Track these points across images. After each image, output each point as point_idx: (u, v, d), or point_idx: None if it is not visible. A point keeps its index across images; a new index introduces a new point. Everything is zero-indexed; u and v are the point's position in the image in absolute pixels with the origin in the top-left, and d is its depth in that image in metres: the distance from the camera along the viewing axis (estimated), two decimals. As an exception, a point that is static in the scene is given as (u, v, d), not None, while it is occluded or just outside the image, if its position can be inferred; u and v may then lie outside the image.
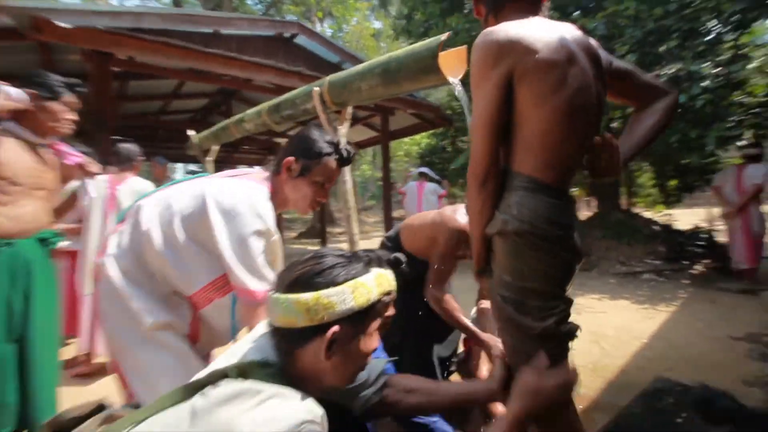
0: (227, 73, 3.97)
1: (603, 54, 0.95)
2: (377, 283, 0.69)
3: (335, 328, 0.65)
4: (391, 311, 1.07)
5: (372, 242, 11.72)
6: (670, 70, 4.27)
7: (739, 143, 4.64)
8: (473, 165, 0.88)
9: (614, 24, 4.53)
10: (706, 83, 4.16)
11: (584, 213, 7.54)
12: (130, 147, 2.68)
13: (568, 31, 0.91)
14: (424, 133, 9.68)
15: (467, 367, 1.79)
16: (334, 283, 0.66)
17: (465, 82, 1.10)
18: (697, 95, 4.15)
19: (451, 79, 1.07)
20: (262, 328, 0.77)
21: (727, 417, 1.61)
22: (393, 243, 1.78)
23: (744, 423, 1.58)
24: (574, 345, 0.89)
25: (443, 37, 1.04)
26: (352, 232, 1.68)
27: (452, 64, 1.08)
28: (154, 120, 7.09)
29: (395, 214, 9.13)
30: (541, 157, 0.85)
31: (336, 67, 5.94)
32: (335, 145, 1.15)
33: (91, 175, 1.62)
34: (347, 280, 0.67)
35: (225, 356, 0.72)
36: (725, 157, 5.86)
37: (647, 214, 6.90)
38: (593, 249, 5.64)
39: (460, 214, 1.48)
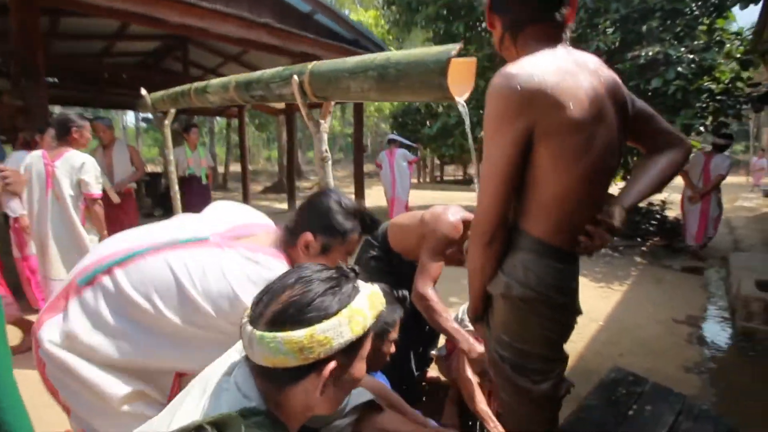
0: (182, 22, 3.46)
1: (628, 96, 0.87)
2: (371, 305, 0.63)
3: (332, 365, 0.59)
4: (394, 335, 1.02)
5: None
6: (650, 52, 4.26)
7: (701, 128, 4.83)
8: (480, 221, 0.80)
9: (602, -3, 4.38)
10: (680, 68, 4.21)
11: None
12: (66, 117, 2.41)
13: (597, 74, 0.80)
14: (398, 94, 9.33)
15: (446, 365, 1.82)
16: (328, 315, 0.58)
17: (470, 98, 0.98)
18: (671, 80, 4.20)
19: (458, 100, 0.95)
20: (234, 357, 0.68)
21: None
22: (380, 243, 1.71)
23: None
24: None
25: (454, 51, 0.90)
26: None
27: (460, 77, 0.94)
28: (95, 63, 6.24)
29: (369, 178, 8.93)
30: (554, 221, 0.78)
31: (307, 18, 5.40)
32: (358, 215, 1.04)
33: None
34: (341, 309, 0.59)
35: (196, 394, 0.63)
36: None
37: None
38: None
39: (451, 214, 1.43)
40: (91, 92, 7.94)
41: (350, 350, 0.61)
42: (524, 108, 0.73)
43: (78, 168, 2.43)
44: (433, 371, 2.02)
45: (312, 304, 0.58)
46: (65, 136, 2.45)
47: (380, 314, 0.65)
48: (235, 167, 19.67)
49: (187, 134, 4.46)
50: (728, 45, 4.84)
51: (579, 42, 4.35)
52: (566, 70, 0.76)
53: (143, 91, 3.13)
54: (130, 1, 3.14)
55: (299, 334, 0.56)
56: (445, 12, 5.58)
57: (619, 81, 0.87)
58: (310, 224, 1.03)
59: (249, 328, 0.59)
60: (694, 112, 4.45)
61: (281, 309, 0.59)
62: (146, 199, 10.15)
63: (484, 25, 5.78)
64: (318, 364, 0.58)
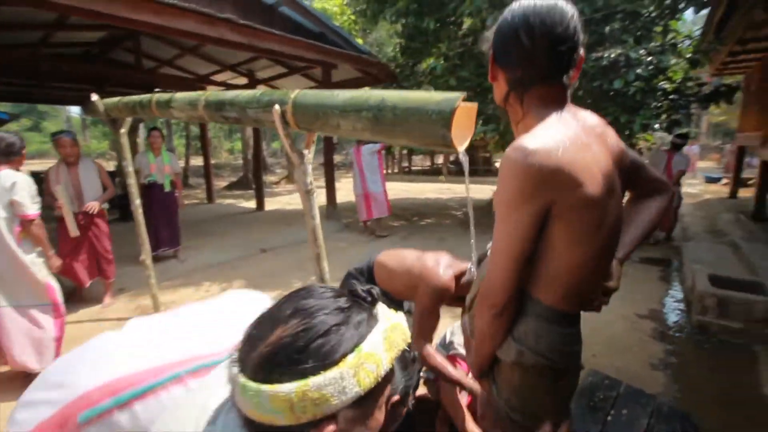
0: (134, 17, 3.16)
1: (625, 154, 0.88)
2: (388, 346, 0.49)
3: (331, 428, 0.46)
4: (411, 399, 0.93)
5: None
6: (612, 54, 4.42)
7: (656, 126, 5.13)
8: (491, 294, 0.79)
9: (568, -2, 4.45)
10: (639, 70, 4.41)
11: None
12: (10, 140, 2.25)
13: (604, 140, 0.80)
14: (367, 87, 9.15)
15: (435, 386, 1.82)
16: (327, 365, 0.45)
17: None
18: (632, 82, 4.40)
19: (460, 150, 0.91)
20: (218, 400, 0.55)
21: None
22: (366, 277, 1.66)
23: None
24: None
25: (458, 101, 0.86)
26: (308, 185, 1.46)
27: (461, 125, 0.90)
28: (30, 54, 5.62)
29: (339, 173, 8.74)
30: (566, 290, 0.78)
31: (272, 10, 5.13)
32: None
33: None
34: (347, 355, 0.46)
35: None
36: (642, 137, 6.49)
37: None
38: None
39: (443, 269, 1.39)
40: (27, 86, 7.19)
41: (360, 404, 0.48)
42: (543, 187, 0.71)
43: (9, 188, 2.22)
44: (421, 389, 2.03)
45: (307, 349, 0.45)
46: (11, 157, 2.33)
47: (401, 360, 0.52)
48: (196, 161, 18.74)
49: (149, 139, 4.14)
50: (680, 45, 5.12)
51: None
52: (581, 143, 0.75)
53: (94, 97, 2.86)
54: (73, -6, 2.81)
55: (287, 390, 0.44)
56: (415, 6, 5.48)
57: (618, 139, 0.87)
58: None
59: (234, 370, 0.48)
60: (652, 112, 4.70)
61: (268, 353, 0.46)
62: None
63: (458, 22, 5.75)
64: (316, 424, 0.45)
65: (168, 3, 3.30)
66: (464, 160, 0.95)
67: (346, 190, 11.37)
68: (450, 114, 0.85)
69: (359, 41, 7.93)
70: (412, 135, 0.95)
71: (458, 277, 1.45)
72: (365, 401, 0.48)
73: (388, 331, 0.50)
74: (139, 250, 3.15)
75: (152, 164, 4.11)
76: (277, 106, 1.28)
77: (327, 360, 0.45)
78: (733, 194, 8.36)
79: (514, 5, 0.80)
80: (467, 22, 4.91)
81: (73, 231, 3.15)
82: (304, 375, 0.44)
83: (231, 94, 1.57)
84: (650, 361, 2.51)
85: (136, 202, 3.06)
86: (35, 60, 5.87)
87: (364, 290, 0.53)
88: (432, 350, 1.45)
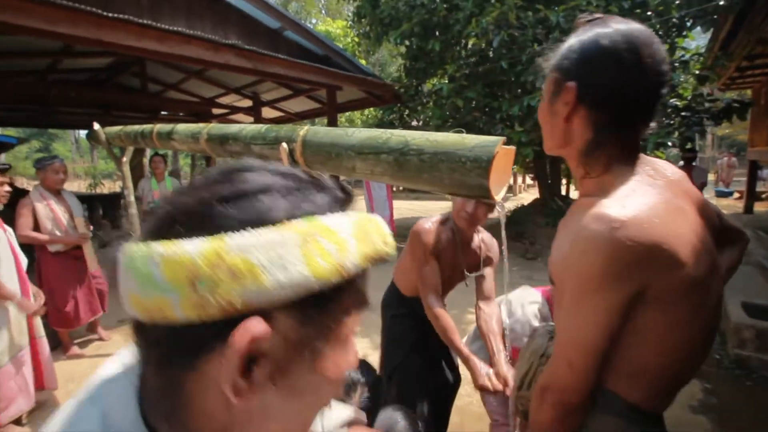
0: (138, 46, 3.13)
1: (707, 202, 0.75)
2: (359, 233, 0.31)
3: (259, 327, 0.26)
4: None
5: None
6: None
7: (669, 144, 5.02)
8: (561, 390, 0.64)
9: (574, 18, 4.42)
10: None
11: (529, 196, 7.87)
12: None
13: (690, 196, 0.67)
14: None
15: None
16: (259, 221, 0.28)
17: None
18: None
19: (497, 200, 0.79)
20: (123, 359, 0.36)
21: None
22: (391, 292, 1.73)
23: None
24: None
25: (497, 147, 0.74)
26: None
27: (497, 172, 0.78)
28: (39, 81, 5.66)
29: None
30: (656, 387, 0.64)
31: (277, 34, 5.15)
32: None
33: None
34: (292, 219, 0.28)
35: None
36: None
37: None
38: (537, 237, 5.91)
39: (425, 221, 1.51)
40: (36, 112, 7.26)
41: (309, 312, 0.28)
42: (636, 268, 0.57)
43: None
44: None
45: (233, 200, 0.28)
46: None
47: (375, 257, 0.32)
48: (201, 181, 18.79)
49: (152, 165, 4.07)
50: (691, 62, 5.05)
51: (555, 62, 4.37)
52: (675, 208, 0.61)
53: (96, 126, 2.78)
54: (76, 25, 2.78)
55: (191, 249, 0.26)
56: (419, 28, 5.48)
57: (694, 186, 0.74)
58: None
59: (127, 244, 0.29)
60: (665, 130, 4.59)
61: (182, 206, 0.29)
62: (103, 222, 9.43)
63: (463, 43, 5.74)
64: (233, 323, 0.26)
65: (172, 30, 3.28)
66: (501, 210, 0.82)
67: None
68: (488, 162, 0.73)
69: (362, 62, 7.97)
70: (441, 183, 0.82)
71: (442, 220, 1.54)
72: (318, 310, 0.29)
73: (362, 220, 0.32)
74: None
75: (155, 191, 4.03)
76: (284, 144, 1.17)
77: (260, 217, 0.28)
78: (748, 209, 8.15)
79: (605, 30, 0.64)
80: (473, 42, 4.88)
81: (94, 266, 2.95)
82: (219, 229, 0.27)
83: (235, 128, 1.47)
84: (689, 403, 2.31)
85: (138, 232, 2.95)
86: (43, 86, 5.93)
87: (336, 182, 0.35)
88: (441, 310, 1.43)
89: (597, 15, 0.68)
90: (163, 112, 8.47)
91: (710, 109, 5.20)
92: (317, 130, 1.13)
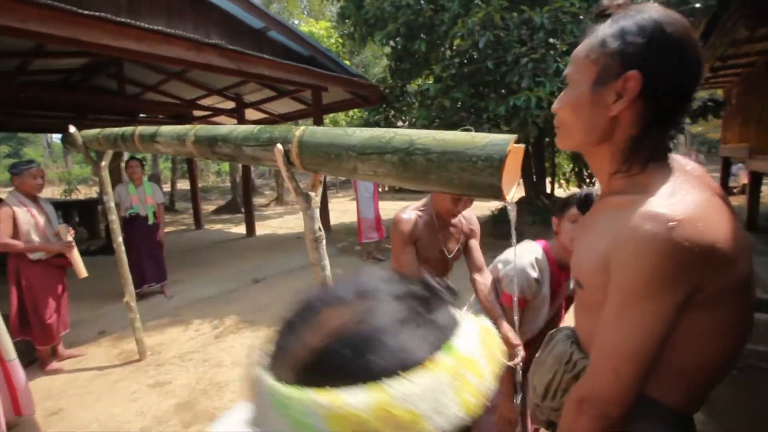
0: (117, 45, 3.01)
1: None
2: (487, 353, 0.31)
3: None
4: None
5: (301, 216, 11.08)
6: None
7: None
8: (602, 402, 0.61)
9: (557, 19, 4.50)
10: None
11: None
12: None
13: (719, 191, 0.65)
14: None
15: None
16: (410, 364, 0.27)
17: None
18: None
19: (508, 200, 0.76)
20: None
21: None
22: None
23: None
24: None
25: (509, 146, 0.71)
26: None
27: (508, 171, 0.76)
28: (7, 82, 5.39)
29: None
30: (696, 390, 0.62)
31: (260, 35, 5.05)
32: None
33: None
34: (435, 354, 0.28)
35: None
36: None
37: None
38: (525, 235, 5.97)
39: (403, 211, 1.56)
40: (5, 114, 6.93)
41: None
42: (692, 269, 0.54)
43: None
44: None
45: (378, 339, 0.28)
46: None
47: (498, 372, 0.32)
48: (183, 184, 18.36)
49: (128, 170, 3.90)
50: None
51: (539, 63, 4.42)
52: (714, 203, 0.59)
53: (72, 129, 2.66)
54: (50, 22, 2.65)
55: (357, 401, 0.25)
56: (405, 29, 5.48)
57: None
58: None
59: (260, 373, 0.30)
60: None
61: (319, 345, 0.29)
62: (80, 229, 9.08)
63: (449, 43, 5.76)
64: None
65: (152, 29, 3.16)
66: (512, 211, 0.80)
67: (337, 212, 11.20)
68: (500, 161, 0.71)
69: (346, 63, 7.92)
70: (450, 184, 0.79)
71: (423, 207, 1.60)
72: None
73: (483, 333, 0.32)
74: (122, 287, 2.91)
75: (133, 196, 3.87)
76: (279, 146, 1.12)
77: (407, 358, 0.28)
78: (722, 204, 8.46)
79: (659, 15, 0.60)
80: (459, 43, 4.90)
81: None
82: (376, 376, 0.26)
83: (225, 129, 1.41)
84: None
85: (118, 239, 2.84)
86: (13, 88, 5.65)
87: (440, 282, 0.36)
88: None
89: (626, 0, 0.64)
90: (141, 115, 8.21)
91: (687, 107, 5.37)
92: (315, 130, 1.09)
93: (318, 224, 1.22)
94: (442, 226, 1.59)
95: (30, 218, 2.72)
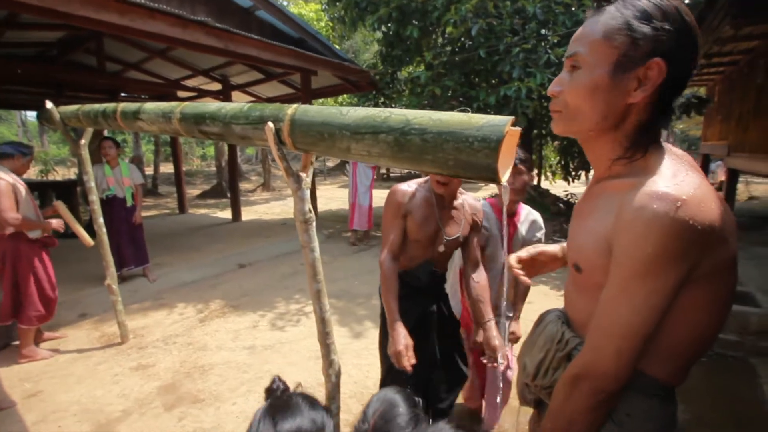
0: (97, 17, 2.87)
1: None
2: None
3: None
4: None
5: (288, 202, 10.97)
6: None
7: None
8: (600, 376, 0.63)
9: (550, 9, 4.49)
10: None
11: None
12: None
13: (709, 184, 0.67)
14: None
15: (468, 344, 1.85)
16: None
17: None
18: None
19: (503, 183, 0.76)
20: None
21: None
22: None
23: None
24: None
25: (506, 126, 0.71)
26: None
27: (504, 153, 0.76)
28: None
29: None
30: (683, 363, 0.65)
31: (248, 14, 4.90)
32: None
33: None
34: None
35: None
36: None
37: (553, 190, 7.63)
38: (509, 226, 6.06)
39: (401, 184, 1.52)
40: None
41: None
42: (695, 246, 0.56)
43: None
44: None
45: None
46: None
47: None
48: (166, 168, 17.87)
49: (101, 151, 3.74)
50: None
51: (530, 54, 4.42)
52: (708, 185, 0.61)
53: (49, 104, 2.56)
54: (24, -10, 2.50)
55: None
56: (397, 14, 5.38)
57: None
58: None
59: None
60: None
61: None
62: (57, 211, 8.78)
63: (441, 30, 5.68)
64: None
65: (135, 2, 3.03)
66: (505, 193, 0.81)
67: (324, 199, 11.12)
68: (497, 143, 0.70)
69: (336, 47, 7.77)
70: (445, 165, 0.79)
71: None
72: None
73: None
74: (103, 270, 2.84)
75: (109, 177, 3.73)
76: (270, 124, 1.10)
77: None
78: (700, 200, 8.73)
79: (672, 3, 0.60)
80: (450, 31, 4.85)
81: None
82: None
83: (213, 106, 1.37)
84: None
85: (99, 220, 2.76)
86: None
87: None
88: (388, 262, 1.47)
89: None
90: (123, 94, 7.92)
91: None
92: (307, 109, 1.06)
93: (308, 206, 1.20)
94: (441, 205, 1.51)
95: (28, 196, 2.66)
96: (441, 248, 1.53)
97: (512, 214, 1.77)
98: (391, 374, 1.53)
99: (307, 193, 1.22)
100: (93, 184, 2.72)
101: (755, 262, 4.01)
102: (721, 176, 9.42)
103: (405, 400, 0.85)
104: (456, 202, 1.55)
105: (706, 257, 0.58)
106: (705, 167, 8.77)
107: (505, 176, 0.77)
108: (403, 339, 1.36)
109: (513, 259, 0.96)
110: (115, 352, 2.83)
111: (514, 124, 0.75)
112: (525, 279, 0.95)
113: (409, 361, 1.33)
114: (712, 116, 8.76)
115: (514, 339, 1.81)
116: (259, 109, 1.19)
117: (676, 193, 0.56)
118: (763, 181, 12.05)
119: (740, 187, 8.01)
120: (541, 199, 6.45)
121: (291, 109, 1.10)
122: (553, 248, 0.98)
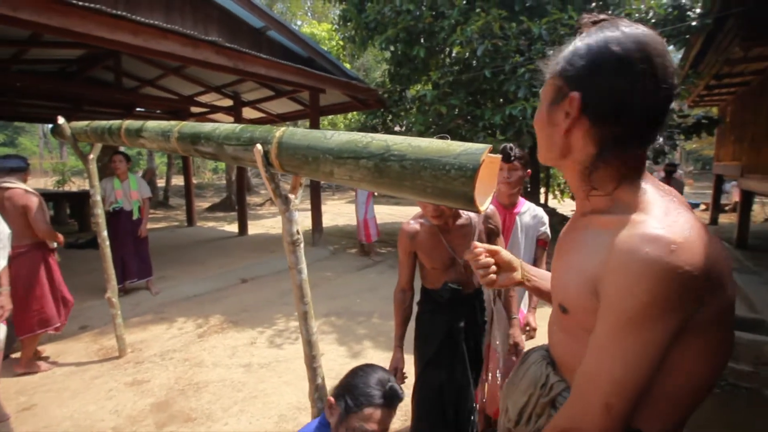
0: (111, 38, 2.98)
1: None
2: None
3: None
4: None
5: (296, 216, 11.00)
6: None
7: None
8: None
9: (555, 31, 4.52)
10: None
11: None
12: None
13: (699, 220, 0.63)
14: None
15: None
16: None
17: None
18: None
19: (482, 210, 0.75)
20: None
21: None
22: (421, 288, 1.77)
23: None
24: None
25: (483, 155, 0.70)
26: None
27: (483, 181, 0.74)
28: (2, 71, 5.34)
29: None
30: (679, 416, 0.60)
31: (259, 34, 5.05)
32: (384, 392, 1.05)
33: None
34: None
35: None
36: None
37: (561, 209, 7.55)
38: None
39: (407, 222, 1.58)
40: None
41: None
42: (692, 294, 0.52)
43: None
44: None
45: None
46: None
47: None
48: (178, 180, 18.22)
49: (112, 164, 3.84)
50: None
51: (536, 74, 4.44)
52: (701, 225, 0.57)
53: (60, 120, 2.63)
54: (42, 12, 2.62)
55: None
56: (404, 34, 5.48)
57: None
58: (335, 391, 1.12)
59: None
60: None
61: None
62: (70, 221, 8.98)
63: (448, 50, 5.77)
64: None
65: (148, 23, 3.14)
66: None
67: (331, 214, 11.17)
68: (474, 171, 0.69)
69: (347, 66, 7.93)
70: (423, 192, 0.78)
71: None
72: None
73: None
74: (105, 282, 2.86)
75: (118, 190, 3.82)
76: (259, 146, 1.11)
77: None
78: (713, 220, 8.53)
79: (615, 34, 0.59)
80: (457, 51, 4.92)
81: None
82: None
83: (208, 127, 1.39)
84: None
85: (103, 233, 2.80)
86: (8, 77, 5.59)
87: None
88: (398, 297, 1.66)
89: (602, 16, 0.63)
90: (138, 109, 8.16)
91: (680, 124, 5.41)
92: (294, 132, 1.07)
93: (296, 227, 1.20)
94: (445, 230, 1.52)
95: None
96: (462, 269, 1.57)
97: (511, 206, 1.85)
98: (423, 377, 1.62)
99: (296, 214, 1.21)
100: (99, 198, 2.77)
101: (771, 287, 3.87)
102: (735, 197, 9.22)
103: (379, 369, 1.11)
104: (460, 220, 1.54)
105: (705, 305, 0.53)
106: (718, 188, 8.59)
107: (484, 204, 0.76)
108: (393, 362, 1.61)
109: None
110: (111, 367, 2.82)
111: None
112: (485, 273, 0.82)
113: (399, 381, 1.55)
114: (724, 136, 8.63)
115: (531, 334, 1.91)
116: (250, 131, 1.20)
117: (669, 235, 0.52)
118: (780, 202, 11.74)
119: (756, 208, 7.81)
120: (549, 218, 6.36)
121: (279, 131, 1.10)
122: (512, 260, 0.87)
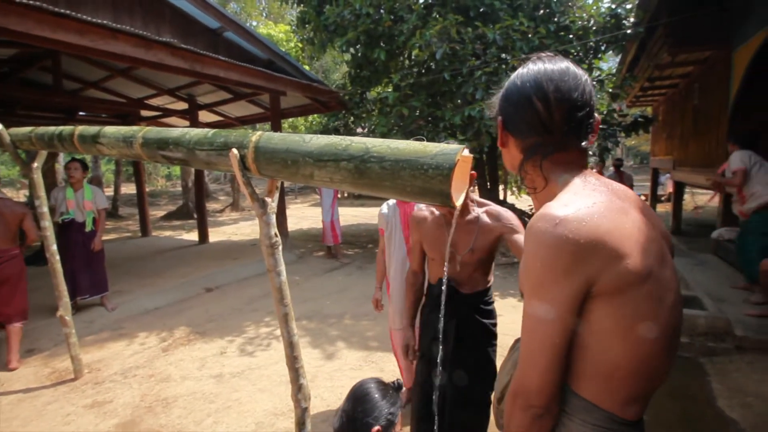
0: (54, 38, 2.78)
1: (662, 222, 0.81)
2: None
3: None
4: (398, 427, 1.05)
5: (257, 222, 10.65)
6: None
7: (590, 153, 5.61)
8: (526, 392, 0.66)
9: (508, 36, 4.77)
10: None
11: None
12: None
13: (641, 206, 0.72)
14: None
15: None
16: None
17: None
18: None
19: (457, 206, 0.81)
20: None
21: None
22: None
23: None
24: None
25: (458, 155, 0.76)
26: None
27: (457, 179, 0.81)
28: None
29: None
30: (625, 393, 0.66)
31: (216, 35, 4.90)
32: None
33: None
34: None
35: None
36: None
37: (519, 204, 7.93)
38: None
39: (418, 208, 1.68)
40: None
41: None
42: (581, 261, 0.61)
43: None
44: None
45: None
46: None
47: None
48: (128, 188, 17.08)
49: (67, 172, 3.58)
50: (605, 81, 5.70)
51: (492, 76, 4.67)
52: (617, 207, 0.66)
53: (-2, 126, 2.42)
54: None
55: None
56: (365, 37, 5.54)
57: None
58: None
59: None
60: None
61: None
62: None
63: (407, 53, 5.88)
64: None
65: (95, 23, 2.96)
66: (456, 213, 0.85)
67: (296, 218, 10.99)
68: (450, 170, 0.76)
69: (306, 68, 7.87)
70: (403, 191, 0.83)
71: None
72: None
73: None
74: (55, 300, 2.66)
75: (70, 200, 3.55)
76: (235, 150, 1.11)
77: None
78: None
79: (522, 70, 0.75)
80: (416, 54, 5.05)
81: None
82: None
83: (177, 132, 1.37)
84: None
85: (52, 248, 2.61)
86: None
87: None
88: (410, 279, 1.76)
89: (535, 55, 0.78)
90: (81, 113, 7.59)
91: (621, 123, 5.89)
92: (271, 136, 1.09)
93: (274, 230, 1.21)
94: (450, 223, 1.49)
95: None
96: (458, 267, 1.51)
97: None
98: (417, 369, 1.70)
99: (273, 217, 1.23)
100: (46, 209, 2.58)
101: (701, 267, 4.32)
102: (670, 188, 10.15)
103: (376, 383, 1.07)
104: (469, 217, 1.51)
105: (601, 272, 0.61)
106: (654, 180, 9.41)
107: (459, 200, 0.83)
108: (405, 340, 1.72)
109: None
110: (67, 390, 2.64)
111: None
112: None
113: (411, 356, 1.68)
114: (658, 134, 9.49)
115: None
116: (224, 136, 1.20)
117: (557, 212, 0.64)
118: (706, 192, 13.05)
119: (687, 197, 8.63)
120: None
121: (255, 136, 1.11)
122: None
